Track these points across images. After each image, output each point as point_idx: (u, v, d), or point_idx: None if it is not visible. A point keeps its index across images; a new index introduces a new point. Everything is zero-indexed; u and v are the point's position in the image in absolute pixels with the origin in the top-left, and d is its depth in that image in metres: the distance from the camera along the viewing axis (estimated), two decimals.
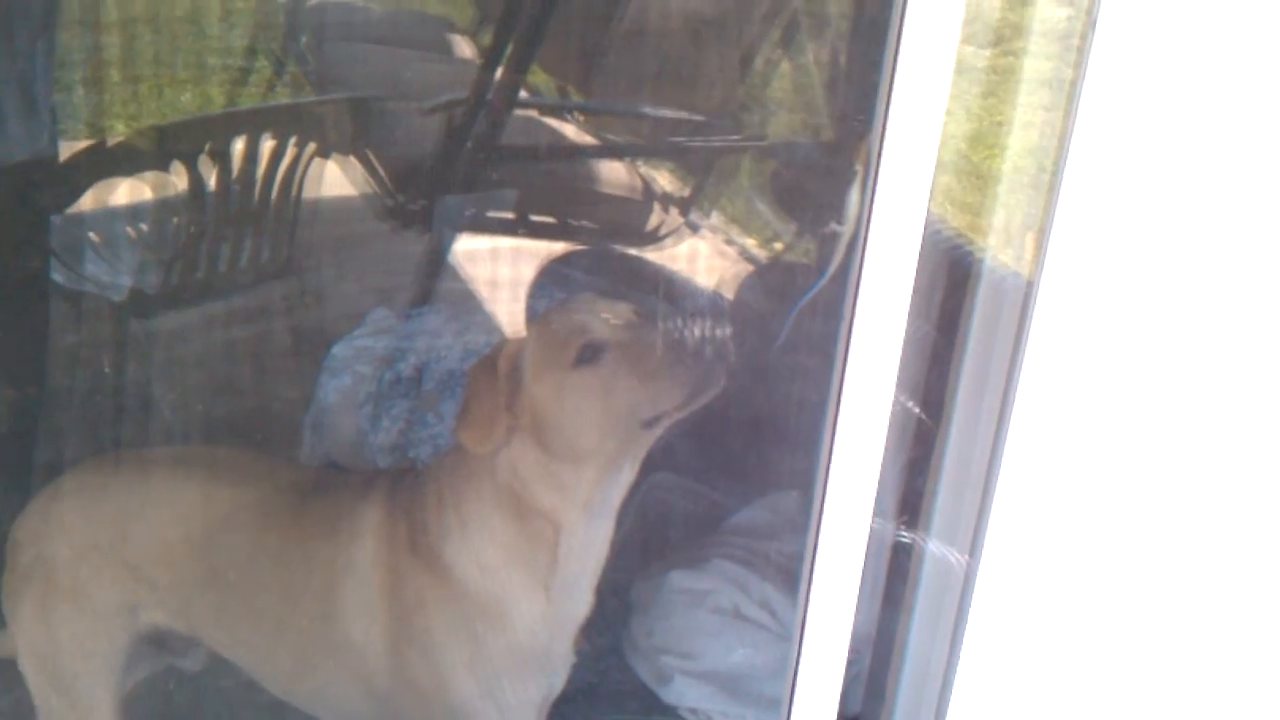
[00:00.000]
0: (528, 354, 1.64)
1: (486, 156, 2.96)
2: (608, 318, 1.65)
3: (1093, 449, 1.44)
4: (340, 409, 2.26)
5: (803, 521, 2.17)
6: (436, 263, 2.95)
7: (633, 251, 3.01)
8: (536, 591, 1.70)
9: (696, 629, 1.94)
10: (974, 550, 1.55)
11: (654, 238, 3.23)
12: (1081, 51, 1.30)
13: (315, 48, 3.73)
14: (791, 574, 2.04)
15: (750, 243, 3.58)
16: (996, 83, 1.57)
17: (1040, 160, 1.54)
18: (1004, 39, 1.56)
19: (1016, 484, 1.47)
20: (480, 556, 1.69)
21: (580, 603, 1.75)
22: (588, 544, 1.71)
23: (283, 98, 4.03)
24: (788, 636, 1.94)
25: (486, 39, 3.85)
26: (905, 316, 1.29)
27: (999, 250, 1.53)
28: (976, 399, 1.51)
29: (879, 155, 1.19)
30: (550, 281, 2.58)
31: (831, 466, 1.36)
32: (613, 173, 3.20)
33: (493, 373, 1.63)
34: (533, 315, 2.45)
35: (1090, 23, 1.27)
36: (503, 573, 1.69)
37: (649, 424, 1.64)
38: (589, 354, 1.60)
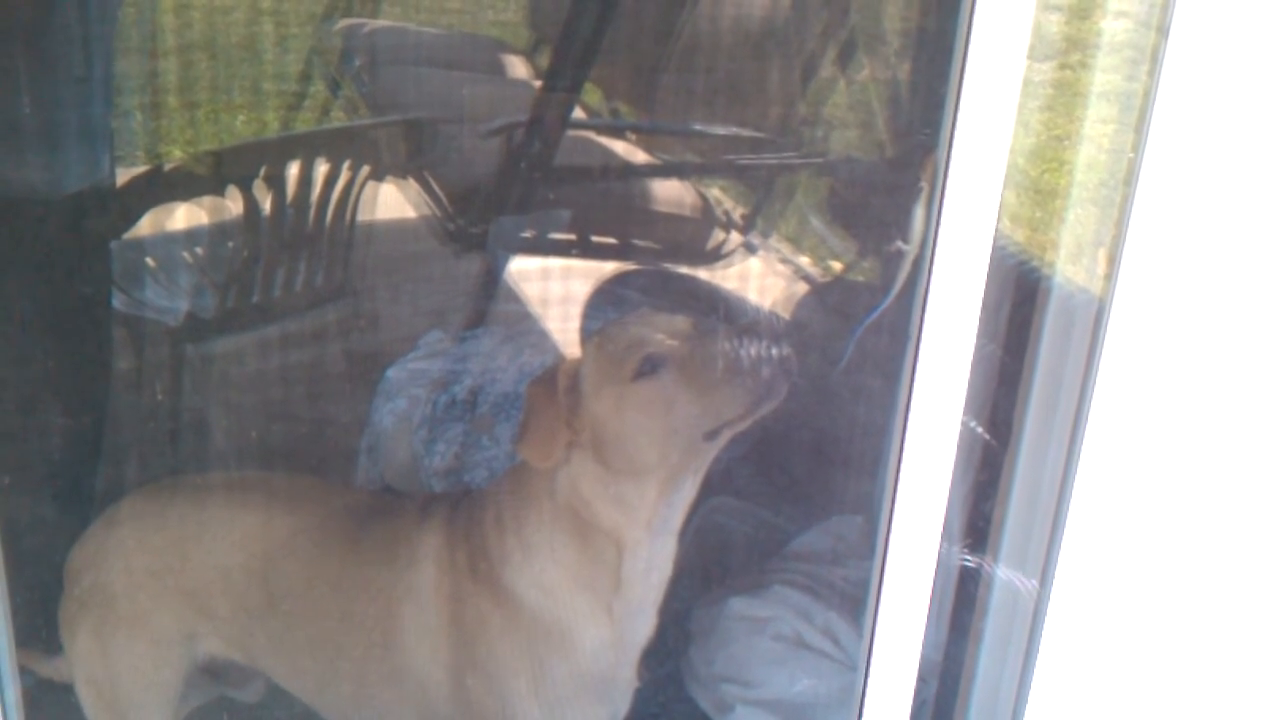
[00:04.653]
0: (587, 369, 1.61)
1: (543, 177, 2.95)
2: (666, 331, 1.62)
3: (1169, 471, 1.39)
4: (395, 433, 2.24)
5: (866, 547, 2.13)
6: (491, 284, 2.93)
7: (688, 271, 2.98)
8: (600, 614, 1.67)
9: (758, 657, 1.89)
10: (1045, 576, 1.51)
11: (712, 257, 3.20)
12: (1152, 62, 1.26)
13: (370, 71, 3.74)
14: (854, 601, 2.00)
15: (808, 262, 3.54)
16: (1053, 97, 1.53)
17: (1104, 175, 1.50)
18: (1061, 52, 1.52)
19: (1089, 508, 1.42)
20: (542, 579, 1.66)
21: (644, 625, 1.72)
22: (651, 563, 1.68)
23: (338, 121, 4.05)
24: (851, 665, 1.89)
25: (542, 60, 3.85)
26: (974, 336, 1.25)
27: (1067, 267, 1.48)
28: (1047, 420, 1.46)
29: (945, 173, 1.15)
30: (605, 301, 2.56)
31: (899, 490, 1.32)
32: (670, 192, 3.18)
33: (552, 387, 1.61)
34: (585, 335, 2.42)
35: (1162, 32, 1.23)
36: (566, 595, 1.66)
37: (710, 436, 1.61)
38: (648, 367, 1.58)
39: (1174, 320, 1.30)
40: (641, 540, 1.65)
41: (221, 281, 2.65)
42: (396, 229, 3.07)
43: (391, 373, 2.35)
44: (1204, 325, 1.31)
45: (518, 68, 3.93)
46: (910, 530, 1.35)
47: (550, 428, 1.60)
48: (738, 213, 3.37)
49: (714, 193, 3.32)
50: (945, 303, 1.22)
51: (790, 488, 2.12)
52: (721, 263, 3.27)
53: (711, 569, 2.01)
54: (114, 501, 1.90)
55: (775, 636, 1.90)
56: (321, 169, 2.64)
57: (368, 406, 2.40)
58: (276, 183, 2.54)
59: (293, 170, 2.57)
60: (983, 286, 1.20)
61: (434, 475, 2.17)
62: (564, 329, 2.85)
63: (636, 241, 3.16)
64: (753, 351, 1.57)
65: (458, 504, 1.78)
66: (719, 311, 2.69)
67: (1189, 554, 1.44)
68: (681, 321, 1.64)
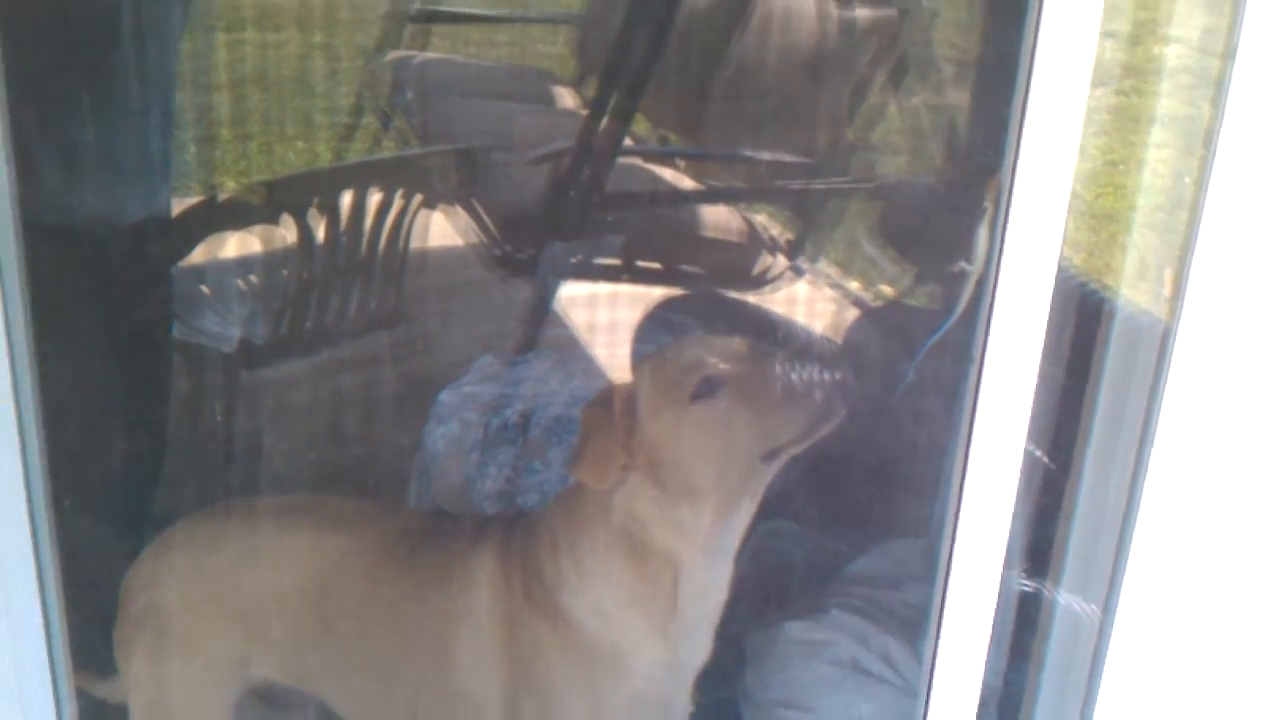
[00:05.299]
0: (643, 391, 1.61)
1: (591, 203, 2.96)
2: (723, 353, 1.62)
3: (1233, 496, 1.37)
4: (448, 456, 2.25)
5: (923, 570, 2.11)
6: (541, 309, 2.94)
7: (739, 296, 2.98)
8: (656, 637, 1.66)
9: (814, 682, 1.87)
10: (1108, 603, 1.49)
11: (760, 282, 3.20)
12: (1211, 86, 1.25)
13: (420, 103, 3.77)
14: (911, 625, 1.98)
15: (857, 286, 3.53)
16: (1107, 122, 1.52)
17: (1161, 199, 1.48)
18: (1115, 78, 1.52)
19: (1154, 534, 1.40)
20: (598, 602, 1.65)
21: (700, 648, 1.70)
22: (707, 586, 1.67)
23: (389, 151, 4.09)
24: (909, 690, 1.87)
25: (589, 90, 3.88)
26: (1038, 359, 1.24)
27: (1130, 289, 1.47)
28: (1111, 444, 1.45)
29: (1009, 198, 1.14)
30: (656, 326, 2.56)
31: (961, 515, 1.31)
32: (718, 217, 3.18)
33: (608, 409, 1.60)
34: (636, 359, 2.42)
35: (1225, 56, 1.22)
36: (622, 618, 1.66)
37: (768, 458, 1.60)
38: (706, 388, 1.57)
39: (1237, 343, 1.28)
40: (698, 563, 1.65)
41: (276, 308, 2.68)
42: (447, 256, 3.09)
43: (444, 396, 2.36)
44: (1267, 347, 1.29)
45: (565, 98, 3.96)
46: (973, 555, 1.34)
47: (606, 450, 1.59)
48: (784, 238, 3.37)
49: (760, 218, 3.32)
50: (1009, 326, 1.20)
51: (847, 511, 2.11)
52: (769, 287, 3.27)
53: (768, 593, 2.00)
54: (170, 525, 1.92)
55: (832, 661, 1.88)
56: (374, 198, 2.67)
57: (420, 430, 2.41)
58: (330, 211, 2.57)
59: (345, 199, 2.60)
60: (1047, 310, 1.19)
61: (486, 498, 2.18)
62: (613, 354, 2.86)
63: (684, 267, 3.16)
64: (809, 373, 1.57)
65: (512, 526, 1.78)
66: (772, 335, 2.69)
67: (1254, 582, 1.41)
68: (738, 343, 1.63)
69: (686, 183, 3.31)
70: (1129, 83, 1.52)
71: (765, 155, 3.27)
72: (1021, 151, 1.13)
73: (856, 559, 2.11)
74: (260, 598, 1.80)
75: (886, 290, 3.28)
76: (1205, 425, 1.33)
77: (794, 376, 1.57)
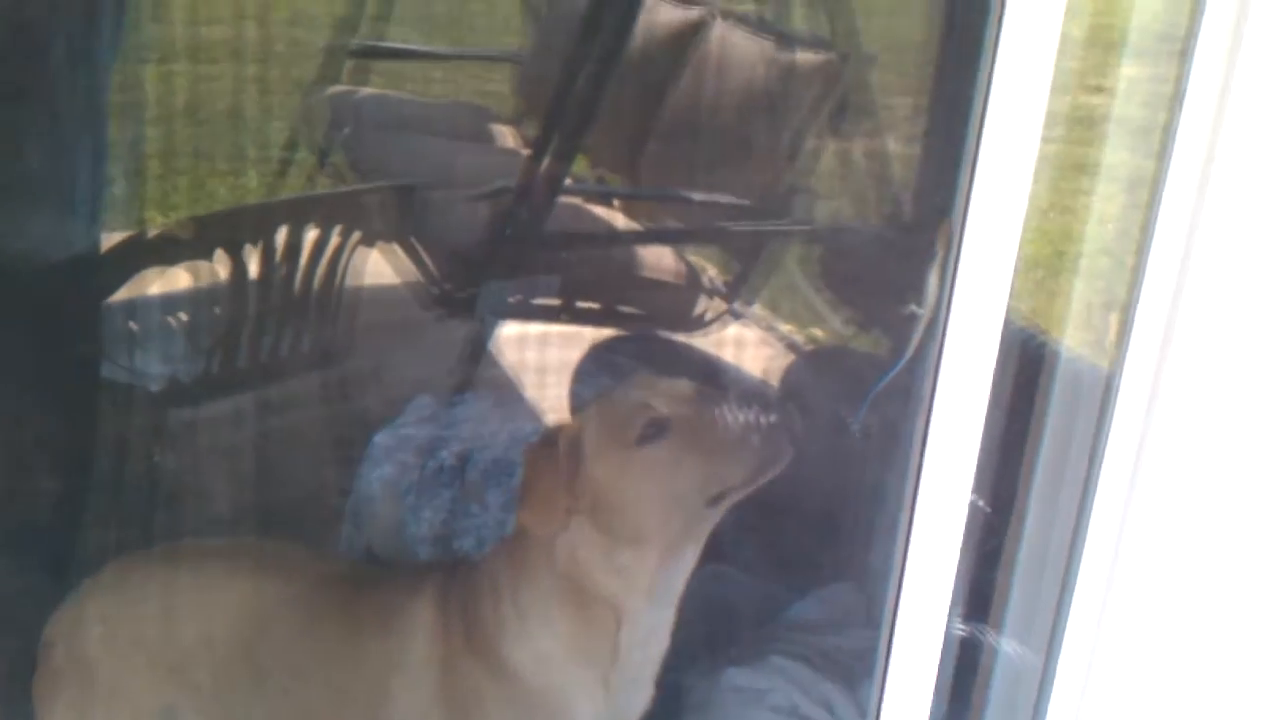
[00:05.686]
0: (588, 433, 1.59)
1: (530, 243, 2.94)
2: (670, 395, 1.60)
3: (1178, 542, 1.37)
4: (383, 499, 2.21)
5: (862, 615, 2.10)
6: (479, 349, 2.91)
7: (679, 338, 2.97)
8: (598, 686, 1.63)
9: None
10: (1050, 650, 1.48)
11: (699, 323, 3.19)
12: (1134, 135, 1.25)
13: (358, 139, 3.74)
14: (853, 671, 1.96)
15: (794, 329, 3.54)
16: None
17: (1089, 245, 1.49)
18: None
19: (1097, 580, 1.40)
20: (539, 650, 1.62)
21: (641, 697, 1.68)
22: (650, 633, 1.65)
23: (326, 187, 4.05)
24: None
25: (530, 128, 3.87)
26: (985, 407, 1.23)
27: (1072, 336, 1.47)
28: (1053, 492, 1.44)
29: (959, 246, 1.14)
30: (596, 368, 2.54)
31: (908, 560, 1.29)
32: (657, 258, 3.17)
33: (552, 452, 1.58)
34: (579, 402, 2.40)
35: (1147, 105, 1.23)
36: (563, 667, 1.63)
37: (714, 502, 1.59)
38: (652, 431, 1.56)
39: (1182, 390, 1.29)
40: (641, 609, 1.62)
41: (207, 346, 2.62)
42: (384, 295, 3.05)
43: (380, 438, 2.32)
44: (1208, 391, 1.30)
45: (505, 136, 3.94)
46: (919, 601, 1.33)
47: (550, 493, 1.57)
48: (723, 279, 3.37)
49: (698, 260, 3.32)
50: (957, 371, 1.20)
51: (787, 556, 2.09)
52: (705, 329, 3.26)
53: (708, 639, 1.97)
54: (94, 571, 1.85)
55: (773, 708, 1.86)
56: (310, 234, 2.63)
57: (354, 473, 2.36)
58: (265, 247, 2.52)
59: (281, 235, 2.55)
60: (995, 356, 1.19)
61: (421, 542, 2.14)
62: (552, 395, 2.83)
63: (622, 308, 3.15)
64: (756, 416, 1.56)
65: (451, 573, 1.75)
66: (713, 378, 2.68)
67: (1198, 629, 1.41)
68: (684, 386, 1.62)
69: (626, 223, 3.30)
70: (1056, 130, 1.53)
71: (705, 197, 3.27)
72: (973, 198, 1.13)
73: (796, 604, 2.09)
74: (189, 646, 1.75)
75: (825, 334, 3.29)
76: (1147, 474, 1.34)
77: (740, 419, 1.56)
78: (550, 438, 1.60)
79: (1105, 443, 1.33)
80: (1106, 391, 1.31)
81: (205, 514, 2.42)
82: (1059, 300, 1.42)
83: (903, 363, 1.19)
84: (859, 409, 1.49)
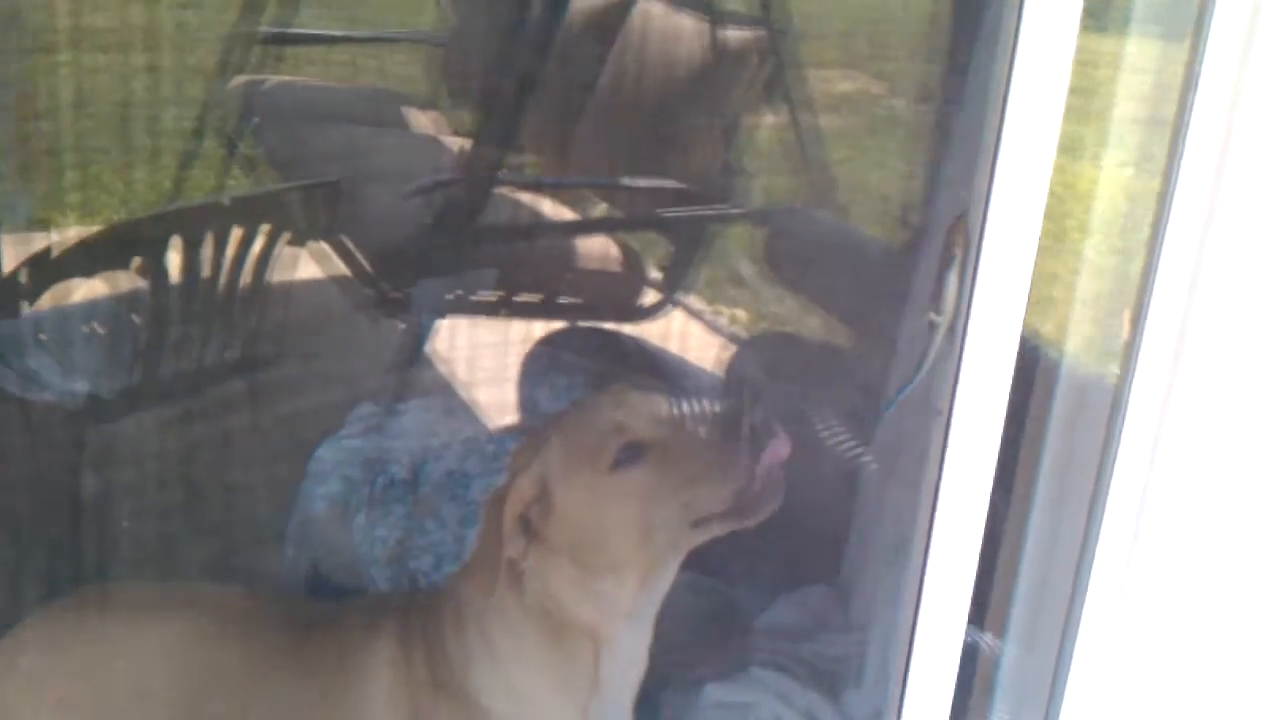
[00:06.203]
0: (555, 459, 1.47)
1: (466, 237, 2.82)
2: (645, 412, 1.48)
3: (1191, 551, 1.31)
4: (330, 519, 2.08)
5: (838, 618, 2.03)
6: (417, 350, 2.79)
7: (626, 330, 2.87)
8: (575, 716, 1.53)
9: None
10: (1059, 664, 1.42)
11: (643, 313, 3.10)
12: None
13: (273, 129, 3.57)
14: (833, 678, 1.89)
15: (738, 315, 3.46)
16: None
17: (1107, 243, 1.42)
18: None
19: (1105, 594, 1.34)
20: (512, 684, 1.51)
21: None
22: (630, 658, 1.55)
23: (237, 179, 3.89)
24: None
25: (454, 114, 3.74)
26: (1004, 413, 1.15)
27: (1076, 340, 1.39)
28: (1058, 503, 1.37)
29: (979, 247, 1.06)
30: (543, 366, 2.43)
31: (927, 570, 1.21)
32: (596, 247, 3.07)
33: (499, 509, 1.45)
34: (530, 404, 2.29)
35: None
36: (540, 700, 1.52)
37: (699, 524, 1.48)
38: (628, 454, 1.44)
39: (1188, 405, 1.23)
40: (621, 634, 1.52)
41: (127, 358, 2.47)
42: (315, 297, 2.91)
43: (322, 452, 2.18)
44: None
45: (430, 122, 3.81)
46: (939, 608, 1.25)
47: (492, 555, 1.44)
48: (664, 267, 3.28)
49: (641, 247, 3.23)
50: (976, 379, 1.12)
51: (757, 559, 2.01)
52: (650, 318, 3.17)
53: (682, 652, 1.88)
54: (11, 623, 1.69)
55: None
56: (234, 236, 2.48)
57: (293, 490, 2.22)
58: (187, 252, 2.37)
59: (204, 239, 2.40)
60: (1013, 362, 1.11)
61: (375, 564, 2.01)
62: (501, 395, 2.71)
63: (564, 299, 3.04)
64: (738, 431, 1.45)
65: (410, 605, 1.62)
66: (661, 368, 2.58)
67: (1206, 632, 1.36)
68: (660, 401, 1.51)
69: (564, 213, 3.19)
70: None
71: (642, 182, 3.17)
72: (992, 197, 1.05)
73: (769, 610, 2.01)
74: (123, 704, 1.60)
75: (768, 320, 3.22)
76: (1159, 479, 1.28)
77: (720, 433, 1.45)
78: (503, 491, 1.46)
79: (1116, 450, 1.27)
80: (1115, 399, 1.25)
81: (129, 544, 2.26)
82: (1061, 301, 1.34)
83: (924, 370, 1.11)
84: (883, 414, 1.39)
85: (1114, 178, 1.25)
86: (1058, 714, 1.42)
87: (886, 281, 1.95)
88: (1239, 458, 1.26)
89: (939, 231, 1.07)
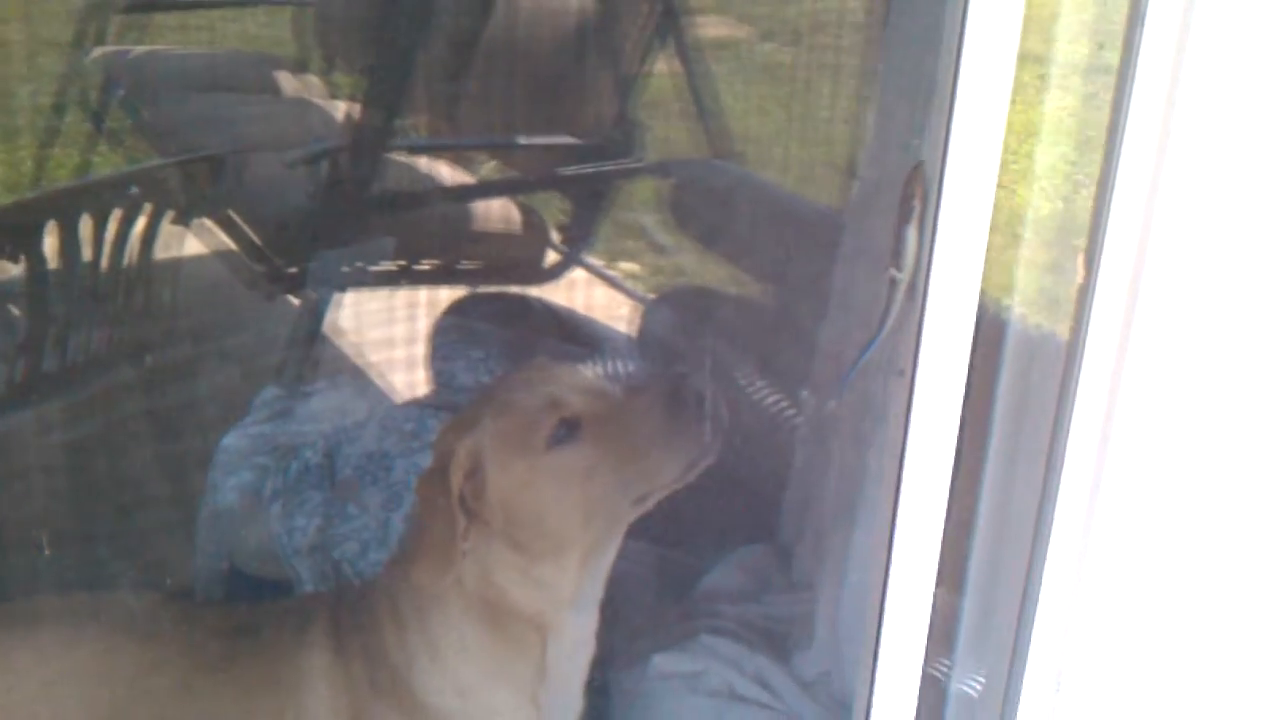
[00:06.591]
0: (487, 440, 1.40)
1: (360, 205, 2.71)
2: (577, 386, 1.42)
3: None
4: (243, 510, 1.97)
5: (779, 579, 2.00)
6: (315, 327, 2.67)
7: (533, 293, 2.79)
8: (525, 707, 1.47)
9: (692, 718, 1.73)
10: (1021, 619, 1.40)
11: (548, 274, 3.03)
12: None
13: (141, 100, 3.40)
14: (782, 640, 1.86)
15: (640, 270, 3.40)
16: None
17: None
18: None
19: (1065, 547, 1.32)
20: (457, 681, 1.45)
21: (572, 708, 1.53)
22: (577, 642, 1.50)
23: (105, 155, 3.71)
24: (789, 714, 1.75)
25: (333, 77, 3.60)
26: (965, 373, 1.12)
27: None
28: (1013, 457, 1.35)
29: (938, 197, 1.01)
30: (453, 336, 2.33)
31: (895, 537, 1.18)
32: (495, 209, 2.98)
33: (444, 484, 1.38)
34: (445, 378, 2.20)
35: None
36: (487, 693, 1.46)
37: (640, 501, 1.43)
38: (564, 432, 1.38)
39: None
40: (566, 620, 1.47)
41: (7, 351, 2.32)
42: (203, 277, 2.77)
43: (229, 441, 2.07)
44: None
45: (302, 85, 3.65)
46: (907, 570, 1.22)
47: (447, 537, 1.36)
48: (565, 225, 3.20)
49: (540, 207, 3.14)
50: (935, 351, 1.08)
51: (696, 522, 1.97)
52: (554, 279, 3.10)
53: (625, 625, 1.83)
54: None
55: (709, 693, 1.74)
56: (113, 216, 2.34)
57: (199, 482, 2.11)
58: (66, 237, 2.23)
59: (83, 222, 2.27)
60: (973, 321, 1.07)
61: (296, 554, 1.92)
62: (409, 369, 2.62)
63: (466, 264, 2.95)
64: (675, 402, 1.40)
65: (339, 603, 1.54)
66: (574, 330, 2.51)
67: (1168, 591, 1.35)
68: (590, 374, 1.45)
69: (459, 175, 3.09)
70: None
71: (536, 139, 3.09)
72: (949, 154, 1.00)
73: (711, 573, 1.97)
74: None
75: (675, 273, 3.17)
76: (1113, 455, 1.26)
77: (659, 408, 1.39)
78: (441, 465, 1.40)
79: (1072, 402, 1.24)
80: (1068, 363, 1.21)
81: (23, 550, 2.13)
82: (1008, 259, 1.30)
83: (885, 329, 1.06)
84: (846, 379, 1.34)
85: (1057, 116, 1.22)
86: (1022, 670, 1.40)
87: (807, 234, 1.91)
88: (1199, 403, 1.24)
89: (887, 184, 1.02)
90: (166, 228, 2.49)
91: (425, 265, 2.80)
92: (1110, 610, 1.33)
